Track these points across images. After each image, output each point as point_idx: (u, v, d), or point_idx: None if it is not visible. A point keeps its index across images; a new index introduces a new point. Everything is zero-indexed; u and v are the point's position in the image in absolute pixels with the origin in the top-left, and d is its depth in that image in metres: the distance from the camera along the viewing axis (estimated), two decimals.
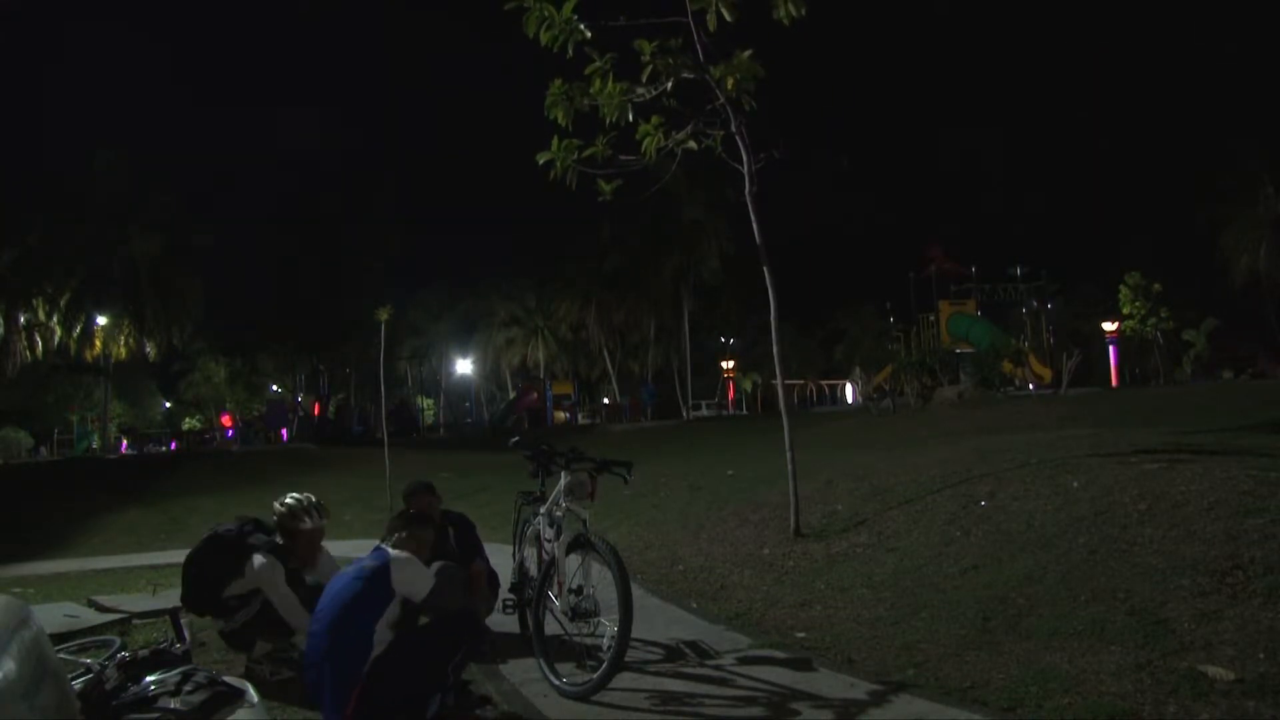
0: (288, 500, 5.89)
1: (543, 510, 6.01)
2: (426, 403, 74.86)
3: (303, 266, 50.67)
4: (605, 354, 64.62)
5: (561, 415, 58.92)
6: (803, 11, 8.46)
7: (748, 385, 69.45)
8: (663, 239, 55.83)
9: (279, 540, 5.83)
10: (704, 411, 58.00)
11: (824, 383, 71.16)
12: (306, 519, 5.83)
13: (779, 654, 5.74)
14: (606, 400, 64.94)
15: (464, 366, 68.64)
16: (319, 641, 4.59)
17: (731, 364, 65.25)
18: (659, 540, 10.15)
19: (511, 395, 67.51)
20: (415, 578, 4.71)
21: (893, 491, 9.61)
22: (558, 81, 8.92)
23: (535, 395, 58.77)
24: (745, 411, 62.07)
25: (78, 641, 5.53)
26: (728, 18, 8.38)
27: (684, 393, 58.92)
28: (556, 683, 5.18)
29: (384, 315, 19.67)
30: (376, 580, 4.64)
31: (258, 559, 5.63)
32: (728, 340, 68.34)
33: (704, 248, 56.59)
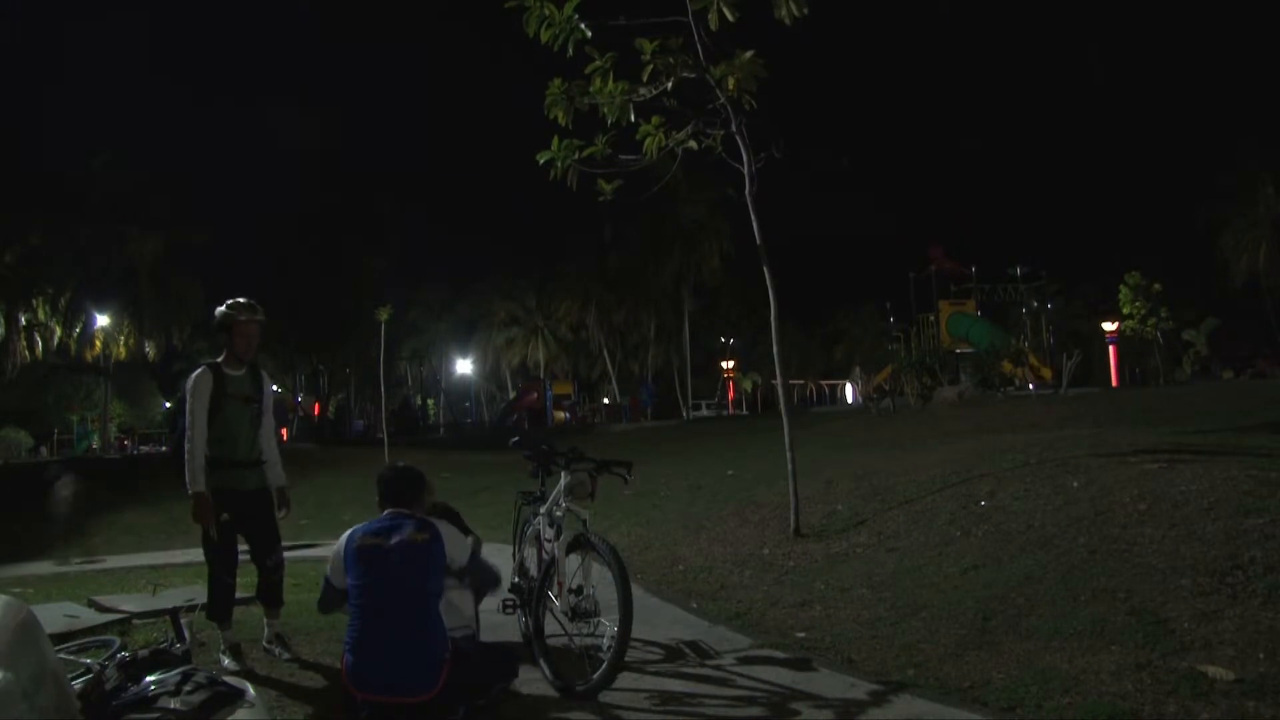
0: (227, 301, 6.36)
1: (543, 510, 6.00)
2: (428, 403, 74.85)
3: (302, 266, 50.74)
4: (605, 354, 64.67)
5: (561, 415, 58.95)
6: (805, 11, 8.45)
7: (748, 385, 69.47)
8: (663, 239, 55.91)
9: (217, 359, 6.28)
10: (704, 411, 58.01)
11: (824, 383, 71.19)
12: (243, 312, 6.23)
13: (779, 654, 5.74)
14: (606, 400, 64.97)
15: (464, 366, 68.66)
16: (391, 613, 4.57)
17: (731, 364, 65.24)
18: (659, 540, 10.15)
19: (511, 395, 67.58)
20: (458, 543, 4.92)
21: (893, 491, 9.62)
22: (557, 81, 8.92)
23: (535, 395, 58.82)
24: (745, 411, 62.04)
25: (78, 641, 5.52)
26: (729, 17, 8.37)
27: (684, 393, 58.95)
28: (556, 683, 5.18)
29: (384, 315, 19.62)
30: (434, 551, 4.75)
31: (191, 377, 6.10)
32: (728, 340, 68.36)
33: (704, 248, 56.68)
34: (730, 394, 66.42)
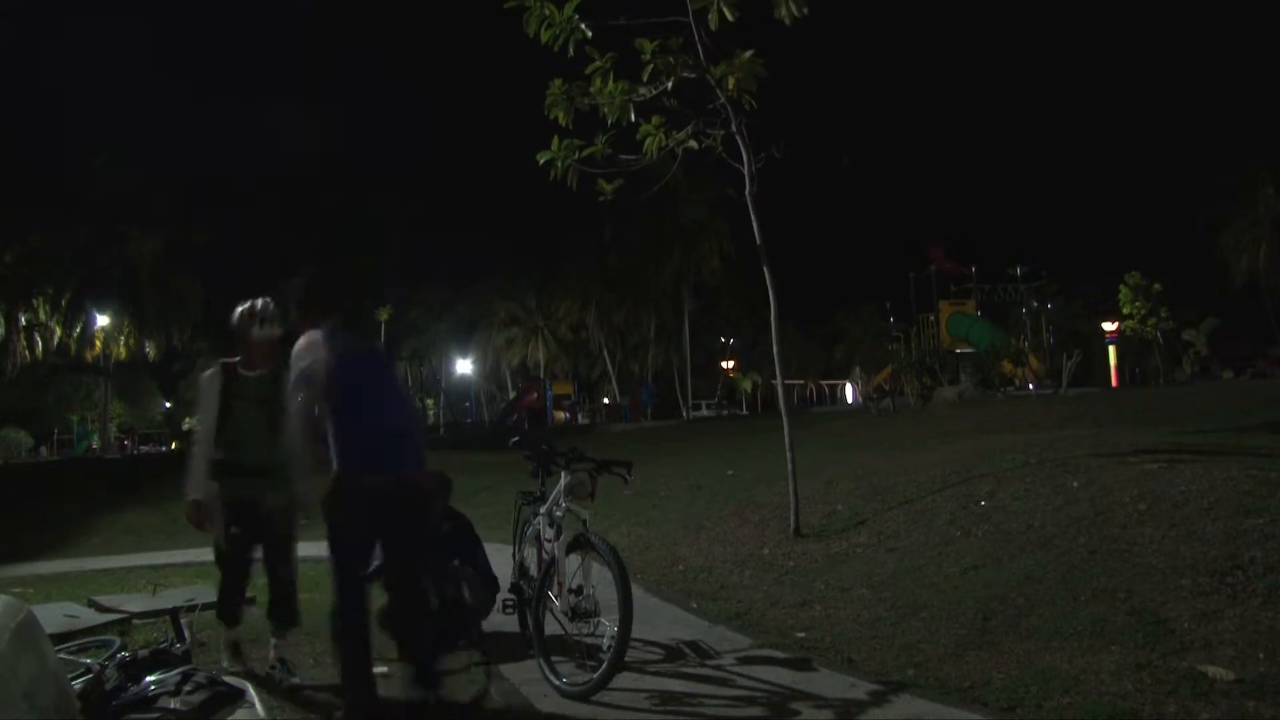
0: (242, 305, 5.96)
1: (543, 510, 6.00)
2: (428, 402, 74.86)
3: (302, 266, 50.78)
4: (605, 354, 64.67)
5: (561, 415, 58.96)
6: (805, 11, 8.45)
7: (747, 385, 69.53)
8: (663, 239, 55.96)
9: (234, 358, 5.96)
10: (704, 411, 58.03)
11: (824, 383, 71.22)
12: (256, 325, 5.85)
13: (779, 654, 5.74)
14: (606, 400, 64.99)
15: (464, 366, 68.67)
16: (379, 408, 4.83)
17: (732, 364, 65.25)
18: (659, 540, 10.15)
19: (511, 395, 67.62)
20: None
21: (893, 491, 9.62)
22: (558, 81, 8.93)
23: (535, 395, 58.81)
24: (744, 411, 62.04)
25: (78, 641, 5.52)
26: (729, 17, 8.37)
27: (684, 393, 58.95)
28: (556, 682, 5.18)
29: (384, 315, 19.58)
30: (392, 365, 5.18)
31: (203, 375, 5.96)
32: (727, 340, 68.39)
33: (704, 248, 56.75)
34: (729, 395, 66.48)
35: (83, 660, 4.66)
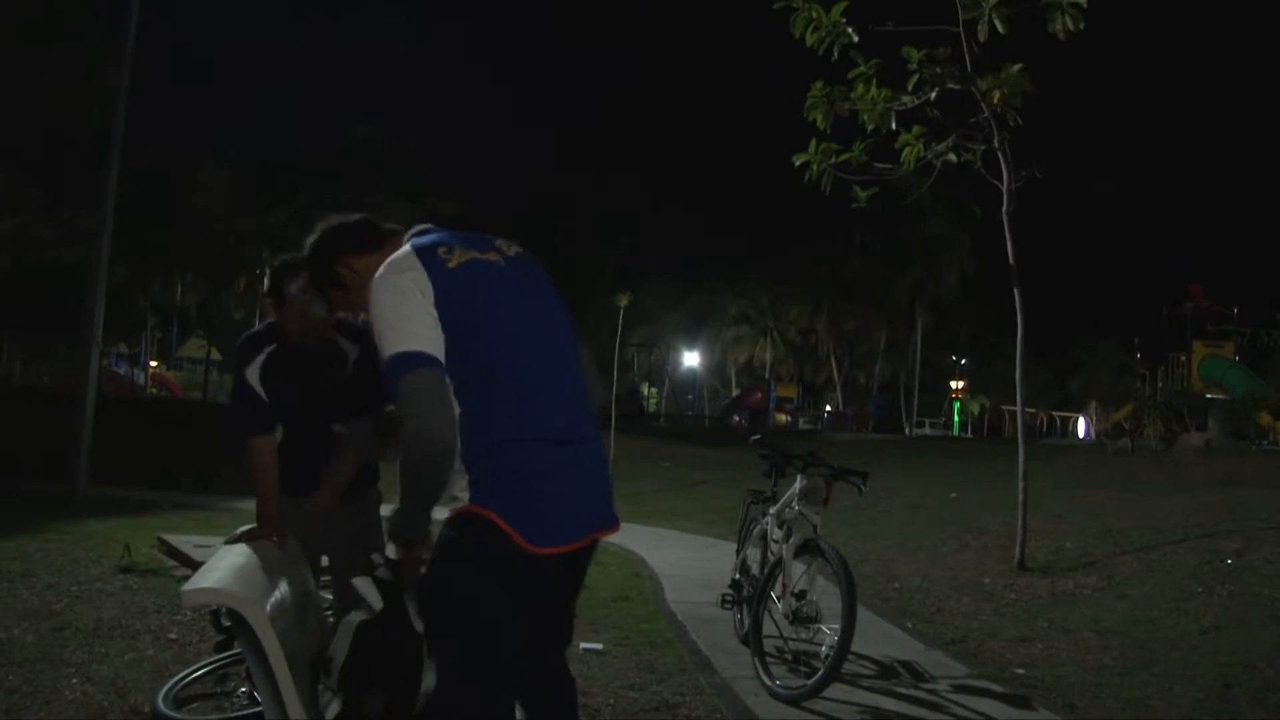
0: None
1: (773, 510, 6.03)
2: (650, 391, 75.95)
3: (544, 241, 52.53)
4: (833, 361, 63.99)
5: (783, 418, 58.73)
6: (1080, 26, 8.16)
7: (975, 408, 67.42)
8: (903, 251, 54.87)
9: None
10: (927, 430, 56.68)
11: (1055, 413, 68.36)
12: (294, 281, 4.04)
13: (996, 687, 5.56)
14: (829, 407, 64.31)
15: (690, 359, 69.25)
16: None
17: (961, 384, 63.40)
18: (875, 555, 10.04)
19: (735, 392, 67.89)
20: None
21: (1126, 535, 9.18)
22: (819, 84, 8.92)
23: (760, 395, 58.84)
24: (969, 435, 60.25)
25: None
26: (1000, 29, 8.17)
27: (909, 409, 57.77)
28: (769, 683, 5.18)
29: (624, 301, 20.05)
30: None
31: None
32: (958, 360, 66.46)
33: (944, 264, 55.31)
34: (953, 415, 64.71)
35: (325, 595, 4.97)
